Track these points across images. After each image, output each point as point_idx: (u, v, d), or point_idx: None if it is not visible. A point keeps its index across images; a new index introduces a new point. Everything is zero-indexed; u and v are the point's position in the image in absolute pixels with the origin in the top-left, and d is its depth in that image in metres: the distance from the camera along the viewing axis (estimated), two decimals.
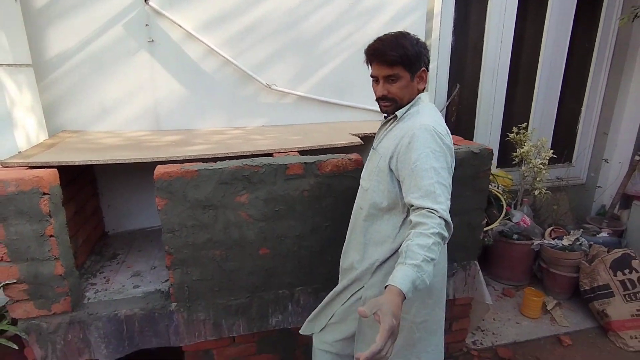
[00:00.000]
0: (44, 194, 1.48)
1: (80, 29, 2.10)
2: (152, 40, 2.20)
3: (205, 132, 2.33)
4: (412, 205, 1.10)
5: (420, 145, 1.10)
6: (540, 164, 2.79)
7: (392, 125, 1.29)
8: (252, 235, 1.69)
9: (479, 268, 2.08)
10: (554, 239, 2.80)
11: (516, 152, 2.88)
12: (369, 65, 1.26)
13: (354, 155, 1.75)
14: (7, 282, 1.53)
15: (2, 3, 1.72)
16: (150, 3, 2.14)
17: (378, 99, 1.27)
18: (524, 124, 2.96)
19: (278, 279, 1.79)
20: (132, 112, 2.29)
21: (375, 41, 1.22)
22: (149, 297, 1.76)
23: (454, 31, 2.94)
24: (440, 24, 2.83)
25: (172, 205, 1.58)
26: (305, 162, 1.67)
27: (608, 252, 2.54)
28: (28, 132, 1.85)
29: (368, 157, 1.40)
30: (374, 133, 1.48)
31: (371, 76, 1.27)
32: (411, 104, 1.25)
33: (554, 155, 2.87)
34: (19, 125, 1.78)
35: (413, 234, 1.03)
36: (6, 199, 1.45)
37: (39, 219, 1.50)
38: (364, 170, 1.40)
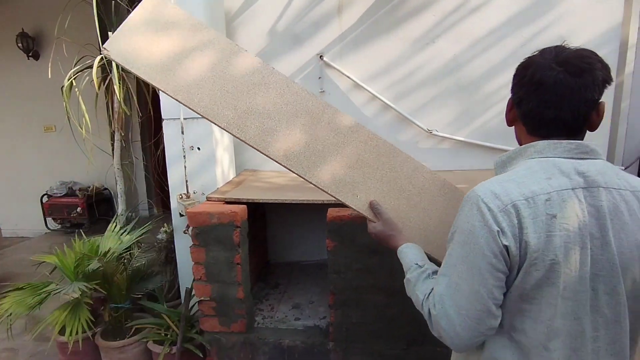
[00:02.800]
0: (237, 226, 1.73)
1: None
2: (323, 91, 2.43)
3: None
4: None
5: (457, 220, 0.87)
6: None
7: None
8: None
9: None
10: None
11: None
12: None
13: None
14: (202, 298, 1.81)
15: None
16: (324, 58, 2.39)
17: None
18: None
19: None
20: None
21: None
22: (309, 331, 1.84)
23: None
24: (635, 57, 2.41)
25: (341, 248, 1.65)
26: None
27: None
28: (224, 170, 2.22)
29: None
30: None
31: None
32: (510, 153, 0.91)
33: None
34: (219, 163, 2.14)
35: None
36: (209, 229, 1.74)
37: (231, 248, 1.75)
38: None
